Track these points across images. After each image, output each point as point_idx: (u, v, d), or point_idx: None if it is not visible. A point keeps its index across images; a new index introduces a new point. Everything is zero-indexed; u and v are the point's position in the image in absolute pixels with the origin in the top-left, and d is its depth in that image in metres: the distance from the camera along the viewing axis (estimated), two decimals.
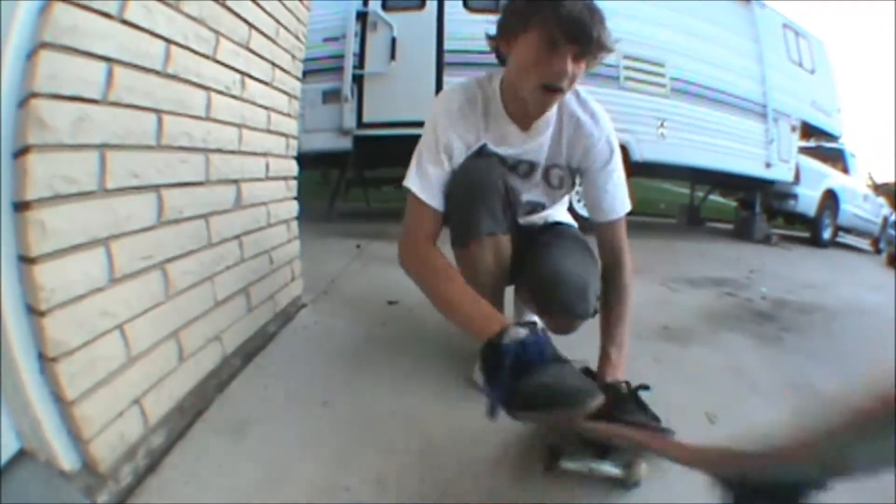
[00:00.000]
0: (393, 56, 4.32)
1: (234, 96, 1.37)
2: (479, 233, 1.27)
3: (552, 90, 1.18)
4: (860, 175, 9.39)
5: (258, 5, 1.47)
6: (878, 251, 9.54)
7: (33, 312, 0.80)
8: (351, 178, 5.21)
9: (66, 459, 0.87)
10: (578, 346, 1.34)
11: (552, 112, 1.32)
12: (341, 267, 2.77)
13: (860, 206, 8.79)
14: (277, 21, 1.63)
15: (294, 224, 1.95)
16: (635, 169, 5.13)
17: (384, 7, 4.42)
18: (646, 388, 1.21)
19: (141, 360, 1.01)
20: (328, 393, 1.40)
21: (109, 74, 0.91)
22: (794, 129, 6.67)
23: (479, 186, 1.26)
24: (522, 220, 1.49)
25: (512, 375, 0.95)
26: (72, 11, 0.82)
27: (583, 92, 1.38)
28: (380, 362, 1.61)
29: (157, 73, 1.05)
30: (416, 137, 3.67)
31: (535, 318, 1.52)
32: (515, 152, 1.36)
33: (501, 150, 1.34)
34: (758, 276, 4.04)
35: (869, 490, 1.16)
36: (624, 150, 4.64)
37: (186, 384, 1.19)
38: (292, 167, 1.89)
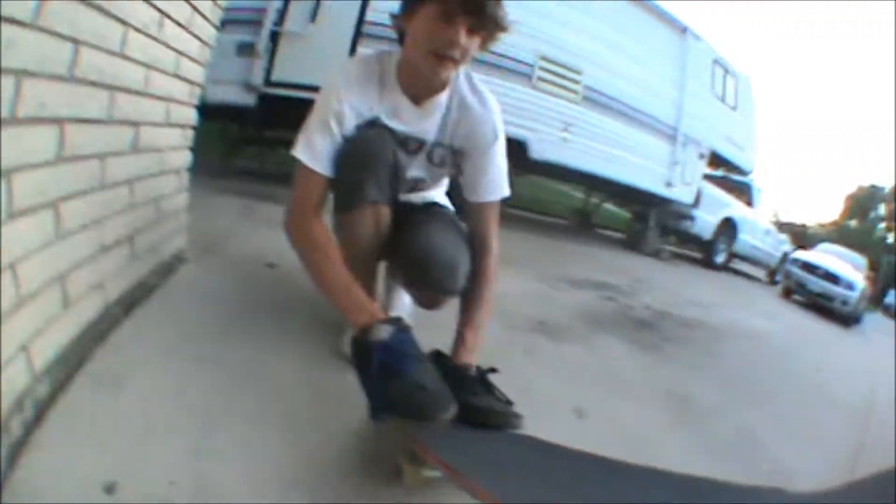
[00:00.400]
0: (314, 18, 4.07)
1: (149, 35, 1.26)
2: (364, 200, 1.27)
3: (444, 57, 1.19)
4: (765, 211, 9.91)
5: None
6: (773, 283, 10.29)
7: None
8: (249, 136, 4.87)
9: None
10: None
11: (444, 93, 1.34)
12: (227, 225, 2.63)
13: (760, 238, 9.35)
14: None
15: (185, 175, 1.84)
16: (532, 167, 5.26)
17: None
18: (494, 370, 1.26)
19: (29, 303, 0.92)
20: (203, 351, 1.35)
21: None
22: (701, 156, 6.95)
23: (369, 155, 1.27)
24: (402, 197, 1.47)
25: (377, 377, 0.99)
26: None
27: (476, 77, 1.40)
28: (254, 325, 1.58)
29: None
30: None
31: (401, 314, 1.51)
32: (407, 129, 1.35)
33: (393, 124, 1.33)
34: (643, 286, 4.13)
35: (869, 490, 1.38)
36: (523, 146, 4.77)
37: (70, 332, 1.10)
38: (192, 116, 1.77)
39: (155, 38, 1.30)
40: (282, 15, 4.04)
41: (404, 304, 1.70)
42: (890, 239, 43.54)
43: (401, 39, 1.31)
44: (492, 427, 1.16)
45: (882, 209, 45.30)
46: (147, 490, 0.90)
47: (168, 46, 1.41)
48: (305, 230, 1.25)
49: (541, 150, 5.00)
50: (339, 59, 4.00)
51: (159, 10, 1.27)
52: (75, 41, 0.94)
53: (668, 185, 6.55)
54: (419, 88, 1.31)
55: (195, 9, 1.51)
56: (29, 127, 0.86)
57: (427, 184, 1.52)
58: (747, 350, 3.19)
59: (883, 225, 45.03)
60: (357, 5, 4.19)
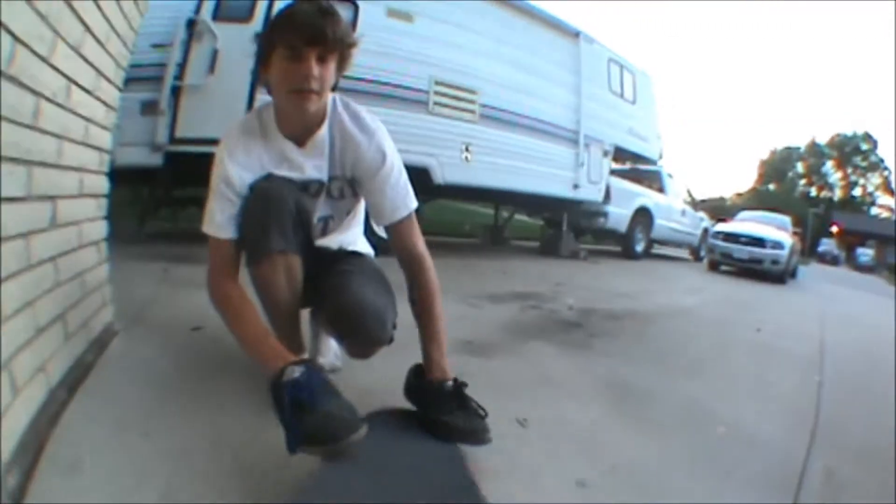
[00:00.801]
0: (212, 69, 3.98)
1: (59, 104, 1.21)
2: (270, 250, 1.28)
3: (303, 91, 1.23)
4: (678, 193, 9.98)
5: (97, 4, 1.32)
6: (697, 259, 10.58)
7: None
8: (159, 197, 4.59)
9: None
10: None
11: (323, 127, 1.36)
12: (149, 292, 2.51)
13: (678, 220, 9.53)
14: (110, 24, 1.46)
15: (104, 246, 1.74)
16: (438, 191, 5.25)
17: (215, 17, 4.04)
18: (464, 384, 1.34)
19: None
20: (148, 423, 1.28)
21: None
22: (606, 153, 7.04)
23: (268, 203, 1.28)
24: (318, 242, 1.50)
25: (291, 413, 1.02)
26: None
27: (353, 104, 1.42)
28: (191, 390, 1.51)
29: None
30: None
31: (329, 358, 1.66)
32: (301, 174, 1.37)
33: (286, 173, 1.35)
34: (564, 288, 4.12)
35: (869, 490, 1.47)
36: (425, 173, 4.76)
37: (23, 420, 1.02)
38: (104, 184, 1.69)
39: (64, 107, 1.25)
40: (182, 68, 3.92)
41: (331, 348, 1.71)
42: (812, 193, 47.70)
43: (269, 89, 1.33)
44: (466, 443, 1.26)
45: (800, 167, 49.42)
46: None
47: (76, 114, 1.35)
48: (221, 293, 1.30)
49: (443, 174, 5.03)
50: (239, 110, 3.98)
51: (68, 77, 1.23)
52: None
53: (576, 187, 6.64)
54: (297, 129, 1.34)
55: (100, 72, 1.46)
56: None
57: (336, 220, 1.54)
58: (679, 328, 3.24)
59: (803, 181, 49.11)
60: (253, 54, 4.09)
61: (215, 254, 1.32)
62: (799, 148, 50.08)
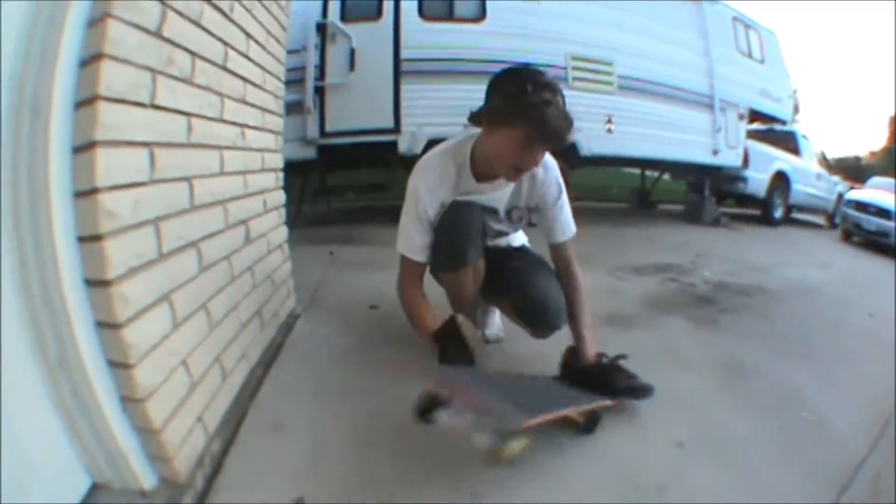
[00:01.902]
0: (352, 66, 4.25)
1: (238, 148, 1.48)
2: (468, 262, 1.54)
3: (522, 170, 1.43)
4: (812, 155, 9.13)
5: (250, 60, 1.57)
6: (832, 226, 9.36)
7: (118, 366, 0.92)
8: (317, 188, 5.18)
9: (146, 481, 0.99)
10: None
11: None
12: (320, 275, 2.84)
13: (813, 184, 8.63)
14: (264, 69, 1.72)
15: (286, 247, 2.07)
16: (584, 162, 5.17)
17: (343, 18, 4.30)
18: (623, 357, 1.54)
19: (199, 384, 1.14)
20: (340, 392, 1.55)
21: (152, 157, 1.02)
22: (741, 117, 6.65)
23: (466, 225, 1.52)
24: (490, 243, 1.71)
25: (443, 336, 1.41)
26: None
27: None
28: (374, 360, 1.77)
29: (182, 145, 1.16)
30: (376, 144, 3.81)
31: (495, 330, 1.98)
32: (485, 200, 1.59)
33: (474, 198, 1.57)
34: (703, 259, 3.99)
35: (869, 490, 1.41)
36: (573, 146, 4.70)
37: (229, 397, 1.33)
38: (282, 197, 2.00)
39: (242, 148, 1.53)
40: (321, 70, 4.25)
41: (496, 322, 2.01)
42: None
43: (473, 121, 1.50)
44: (633, 399, 1.50)
45: None
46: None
47: (252, 149, 1.63)
48: (410, 296, 1.60)
49: (589, 146, 4.98)
50: (385, 101, 4.30)
51: (239, 125, 1.49)
52: (187, 179, 1.15)
53: (715, 152, 6.33)
54: (492, 177, 1.54)
55: (264, 109, 1.73)
56: (173, 257, 1.07)
57: (509, 234, 1.79)
58: (801, 307, 3.05)
59: None
60: (390, 48, 4.35)
61: (408, 268, 1.60)
62: None
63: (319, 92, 4.24)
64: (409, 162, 4.61)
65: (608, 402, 1.42)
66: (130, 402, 0.94)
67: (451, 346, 1.38)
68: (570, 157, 4.46)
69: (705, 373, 1.88)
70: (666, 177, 8.63)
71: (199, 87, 1.21)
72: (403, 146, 4.35)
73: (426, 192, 1.52)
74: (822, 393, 1.89)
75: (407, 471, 1.22)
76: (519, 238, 1.87)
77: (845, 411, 1.78)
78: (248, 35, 1.50)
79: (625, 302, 2.62)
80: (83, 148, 0.87)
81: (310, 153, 4.30)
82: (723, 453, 1.41)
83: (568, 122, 1.33)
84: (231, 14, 1.34)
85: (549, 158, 1.57)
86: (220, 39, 1.29)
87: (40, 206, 0.85)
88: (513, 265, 1.71)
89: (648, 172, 8.41)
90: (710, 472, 1.33)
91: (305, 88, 4.19)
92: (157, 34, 1.01)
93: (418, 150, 4.34)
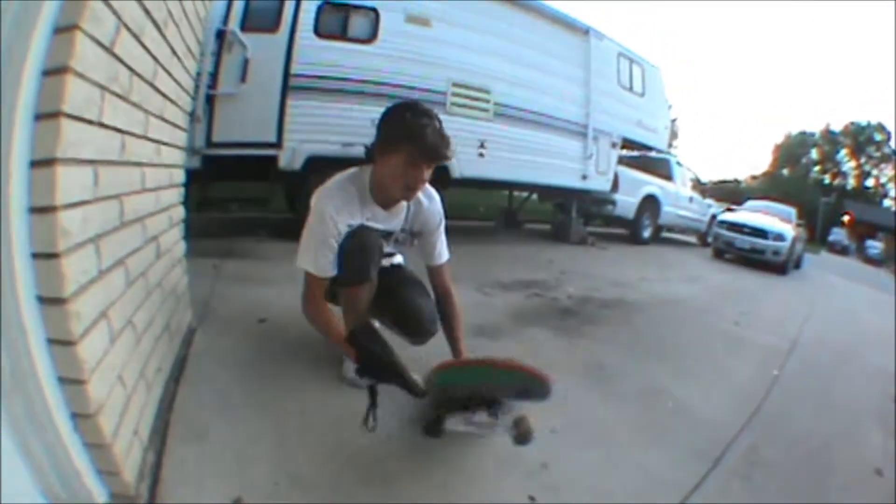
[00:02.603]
0: (244, 78, 4.08)
1: (155, 165, 1.46)
2: (368, 279, 1.69)
3: (413, 190, 1.64)
4: (686, 180, 9.74)
5: (170, 76, 1.54)
6: (705, 244, 10.13)
7: (70, 382, 0.91)
8: (196, 197, 4.82)
9: (100, 497, 0.98)
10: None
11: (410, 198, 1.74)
12: (207, 288, 2.72)
13: (685, 207, 9.23)
14: (179, 85, 1.69)
15: (184, 261, 2.00)
16: (455, 183, 5.24)
17: (242, 27, 4.10)
18: None
19: (132, 398, 1.13)
20: (251, 402, 1.60)
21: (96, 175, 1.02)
22: (614, 145, 6.97)
23: (370, 249, 1.67)
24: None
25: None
26: None
27: None
28: (271, 370, 1.83)
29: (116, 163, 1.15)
30: (259, 157, 3.54)
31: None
32: (381, 226, 1.75)
33: (373, 224, 1.73)
34: (568, 276, 4.23)
35: (869, 490, 1.71)
36: (444, 169, 4.73)
37: (153, 410, 1.32)
38: (182, 212, 1.96)
39: (159, 165, 1.50)
40: (214, 78, 4.02)
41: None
42: (826, 180, 44.28)
43: (368, 157, 1.67)
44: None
45: (815, 153, 45.77)
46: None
47: (165, 166, 1.60)
48: (316, 310, 1.66)
49: (461, 169, 5.09)
50: (271, 115, 4.18)
51: (158, 142, 1.47)
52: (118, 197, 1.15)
53: (584, 177, 6.64)
54: (389, 202, 1.71)
55: (176, 125, 1.72)
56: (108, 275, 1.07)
57: (394, 254, 2.00)
58: (664, 317, 3.41)
59: (817, 168, 45.62)
60: (282, 62, 4.24)
61: (314, 284, 1.66)
62: (814, 134, 46.85)
63: (210, 100, 3.99)
64: (289, 178, 4.54)
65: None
66: (82, 417, 0.93)
67: (372, 343, 1.47)
68: (441, 179, 4.66)
69: (570, 373, 2.15)
70: (534, 196, 8.94)
71: (133, 104, 1.20)
72: (284, 161, 4.27)
73: (335, 213, 1.62)
74: (685, 387, 2.25)
75: (334, 470, 1.33)
76: (398, 257, 2.06)
77: (711, 400, 2.16)
78: (174, 51, 1.49)
79: (493, 315, 2.81)
80: (42, 163, 0.85)
81: (194, 163, 4.02)
82: (592, 437, 1.70)
83: (445, 140, 1.56)
84: (164, 30, 1.34)
85: (433, 191, 1.82)
86: (153, 56, 1.29)
87: None
88: (392, 281, 1.88)
89: (516, 193, 8.67)
90: (583, 451, 1.61)
91: (198, 96, 3.89)
92: (110, 50, 1.01)
93: (297, 165, 4.30)
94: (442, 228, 1.86)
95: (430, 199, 1.81)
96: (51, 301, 0.87)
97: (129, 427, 1.09)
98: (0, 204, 0.82)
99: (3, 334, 0.83)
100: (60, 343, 0.89)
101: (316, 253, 1.63)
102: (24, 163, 0.84)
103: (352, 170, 1.74)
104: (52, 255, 0.86)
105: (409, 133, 1.53)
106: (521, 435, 1.44)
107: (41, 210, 0.86)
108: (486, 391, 1.47)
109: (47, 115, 0.85)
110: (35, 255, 0.86)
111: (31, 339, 0.85)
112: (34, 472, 0.89)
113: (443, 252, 1.87)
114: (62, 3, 0.86)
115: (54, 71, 0.85)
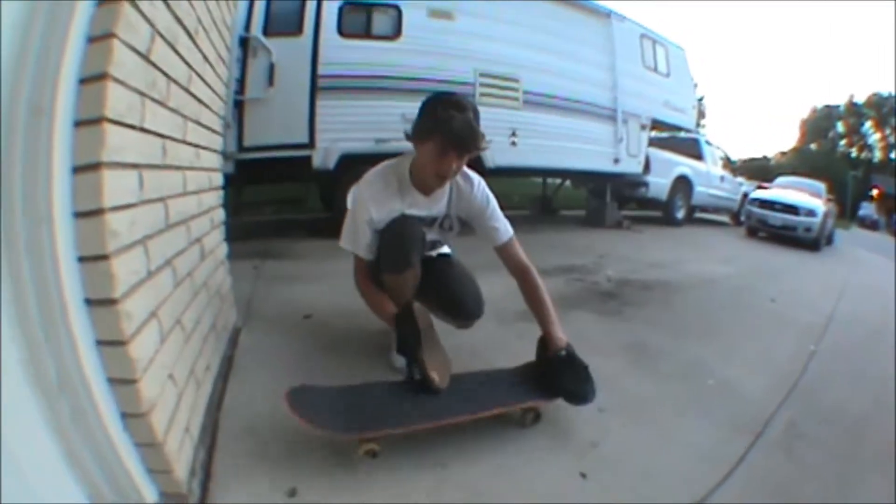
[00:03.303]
0: (271, 81, 4.12)
1: (195, 168, 1.48)
2: (410, 266, 1.72)
3: (443, 177, 1.64)
4: (717, 159, 9.54)
5: (204, 82, 1.56)
6: (737, 223, 9.95)
7: (120, 382, 0.92)
8: (235, 203, 4.93)
9: (149, 496, 0.99)
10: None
11: (446, 186, 1.76)
12: (249, 289, 2.77)
13: (717, 186, 9.05)
14: (213, 91, 1.72)
15: (227, 263, 2.03)
16: (488, 173, 5.17)
17: (265, 33, 4.12)
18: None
19: (183, 396, 1.15)
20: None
21: (140, 178, 1.03)
22: (644, 127, 6.87)
23: (410, 236, 1.71)
24: (425, 253, 1.90)
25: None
26: None
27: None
28: (319, 363, 1.85)
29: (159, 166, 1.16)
30: (292, 159, 4.11)
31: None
32: (423, 213, 1.77)
33: (414, 212, 1.75)
34: (606, 260, 4.22)
35: (823, 442, 1.68)
36: (478, 159, 4.92)
37: (203, 407, 1.34)
38: (223, 214, 1.99)
39: (198, 168, 1.52)
40: (241, 83, 4.06)
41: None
42: (853, 154, 42.85)
43: (409, 139, 1.69)
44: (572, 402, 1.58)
45: (840, 126, 44.34)
46: (322, 490, 1.18)
47: (204, 169, 1.62)
48: (365, 286, 1.78)
49: (494, 158, 5.03)
50: (301, 116, 4.24)
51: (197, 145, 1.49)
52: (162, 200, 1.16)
53: (616, 161, 6.58)
54: (428, 188, 1.72)
55: (213, 130, 1.72)
56: (157, 276, 1.08)
57: (441, 243, 2.01)
58: (701, 296, 3.37)
59: (844, 141, 44.20)
60: (308, 63, 4.25)
61: (359, 264, 1.78)
62: (839, 107, 44.91)
63: (239, 106, 4.05)
64: (323, 177, 4.59)
65: (531, 405, 1.58)
66: (132, 417, 0.93)
67: (406, 327, 1.54)
68: (475, 169, 4.60)
69: (614, 354, 2.15)
70: (567, 183, 8.91)
71: (171, 109, 1.22)
72: (317, 161, 4.31)
73: (370, 200, 1.68)
74: (726, 364, 2.23)
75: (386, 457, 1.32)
76: (445, 248, 2.08)
77: (752, 376, 2.14)
78: (205, 58, 1.51)
79: None
80: (86, 168, 0.86)
81: (228, 168, 4.09)
82: (639, 414, 1.69)
83: (474, 132, 1.56)
84: (196, 37, 1.35)
85: (474, 175, 1.80)
86: (186, 63, 1.30)
87: (41, 226, 0.83)
88: (437, 269, 1.93)
89: (550, 180, 8.61)
90: (631, 429, 1.60)
91: (226, 103, 4.00)
92: (146, 57, 1.02)
93: (331, 165, 4.33)
94: (493, 208, 1.82)
95: (470, 183, 1.80)
96: (100, 302, 0.88)
97: (181, 424, 1.10)
98: (52, 208, 0.84)
99: (49, 339, 0.84)
100: (110, 344, 0.89)
101: (354, 235, 1.74)
102: (65, 169, 0.85)
103: (396, 158, 1.78)
104: (102, 257, 0.87)
105: (439, 123, 1.55)
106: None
107: (87, 214, 0.86)
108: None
109: (89, 122, 0.86)
110: (81, 259, 0.87)
111: (79, 342, 0.85)
112: (79, 474, 0.90)
113: (503, 230, 1.82)
114: (93, 10, 0.86)
115: (93, 78, 0.86)
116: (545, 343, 1.69)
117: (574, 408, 1.59)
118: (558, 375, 1.58)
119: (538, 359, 1.69)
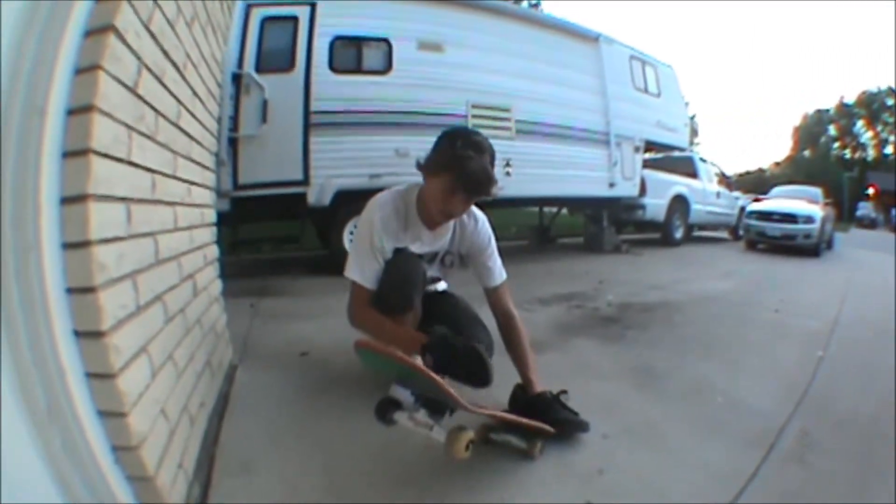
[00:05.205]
0: (264, 118, 4.17)
1: (186, 204, 1.49)
2: (411, 306, 1.71)
3: (450, 216, 1.65)
4: (711, 176, 9.54)
5: (194, 117, 1.58)
6: (736, 238, 10.01)
7: (110, 415, 0.90)
8: (230, 241, 4.95)
9: None
10: None
11: (451, 222, 1.76)
12: (245, 326, 2.76)
13: (713, 203, 9.07)
14: (203, 126, 1.74)
15: (222, 300, 2.03)
16: (482, 205, 5.38)
17: (257, 69, 4.20)
18: (564, 392, 1.67)
19: (175, 431, 1.12)
20: (296, 435, 1.57)
21: (128, 212, 1.03)
22: (637, 149, 6.86)
23: (412, 276, 1.69)
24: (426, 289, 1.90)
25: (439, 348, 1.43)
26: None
27: None
28: (317, 402, 1.81)
29: (148, 201, 1.17)
30: (287, 196, 3.99)
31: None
32: (426, 249, 1.76)
33: (416, 248, 1.74)
34: (606, 285, 4.19)
35: (837, 451, 1.65)
36: None
37: (197, 443, 1.32)
38: (216, 251, 1.99)
39: (190, 204, 1.53)
40: (235, 121, 4.11)
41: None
42: (847, 155, 43.70)
43: (420, 169, 1.67)
44: (569, 432, 1.55)
45: (832, 129, 45.34)
46: None
47: (196, 205, 1.63)
48: (363, 317, 1.70)
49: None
50: (296, 152, 4.24)
51: (189, 181, 1.50)
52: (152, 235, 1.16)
53: (612, 185, 6.57)
54: (433, 222, 1.70)
55: (205, 167, 1.75)
56: (145, 311, 1.07)
57: (441, 279, 1.99)
58: (705, 314, 3.34)
59: (837, 144, 45.05)
60: (301, 99, 4.30)
61: (359, 293, 1.70)
62: (829, 110, 45.93)
63: (233, 143, 4.09)
64: (318, 214, 4.61)
65: (546, 428, 1.52)
66: (123, 451, 0.92)
67: (444, 350, 1.43)
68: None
69: (618, 379, 2.11)
70: (564, 211, 8.86)
71: (160, 144, 1.23)
72: (312, 198, 4.34)
73: (380, 224, 1.65)
74: (734, 379, 2.19)
75: (386, 494, 1.28)
76: (442, 284, 2.07)
77: (760, 389, 2.10)
78: (195, 93, 1.54)
79: (536, 330, 2.72)
80: (74, 199, 0.87)
81: (224, 206, 4.12)
82: (646, 437, 1.64)
83: (487, 177, 1.54)
84: (184, 71, 1.38)
85: (479, 213, 1.81)
86: (175, 97, 1.33)
87: (30, 254, 0.83)
88: (439, 305, 1.92)
89: (546, 209, 8.58)
90: (637, 454, 1.54)
91: (220, 140, 4.05)
92: (133, 90, 1.04)
93: (326, 201, 4.36)
94: (493, 249, 1.82)
95: (475, 220, 1.80)
96: (88, 335, 0.87)
97: (174, 459, 1.08)
98: (27, 242, 0.84)
99: (39, 369, 0.83)
100: (99, 376, 0.88)
101: (363, 263, 1.68)
102: (53, 199, 0.85)
103: (404, 185, 1.76)
104: (89, 290, 0.87)
105: (455, 161, 1.53)
106: (451, 446, 1.27)
107: (75, 245, 0.87)
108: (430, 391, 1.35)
109: (75, 153, 0.87)
110: (70, 291, 0.87)
111: (68, 373, 0.84)
112: None
113: (497, 273, 1.82)
114: (80, 42, 0.89)
115: (79, 110, 0.87)
116: (524, 389, 1.67)
117: (577, 439, 1.57)
118: (551, 410, 1.55)
119: (519, 403, 1.64)
